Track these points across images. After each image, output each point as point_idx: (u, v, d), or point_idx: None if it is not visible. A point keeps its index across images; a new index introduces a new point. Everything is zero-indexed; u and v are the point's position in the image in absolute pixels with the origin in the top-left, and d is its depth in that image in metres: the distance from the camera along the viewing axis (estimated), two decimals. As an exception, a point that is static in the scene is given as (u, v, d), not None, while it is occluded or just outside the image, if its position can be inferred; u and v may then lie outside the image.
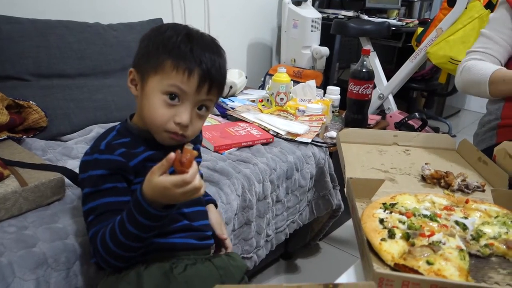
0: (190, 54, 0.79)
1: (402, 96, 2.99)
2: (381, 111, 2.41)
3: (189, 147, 0.70)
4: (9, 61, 1.39)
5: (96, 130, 1.41)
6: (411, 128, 2.03)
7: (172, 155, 0.68)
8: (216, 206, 1.07)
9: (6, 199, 0.89)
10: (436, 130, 3.14)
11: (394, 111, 2.28)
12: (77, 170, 1.05)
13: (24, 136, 1.27)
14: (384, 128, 2.01)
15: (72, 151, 1.26)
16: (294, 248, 1.78)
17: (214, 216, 1.02)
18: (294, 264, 1.79)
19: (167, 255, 0.84)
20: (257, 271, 1.66)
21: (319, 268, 1.77)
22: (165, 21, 1.94)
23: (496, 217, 0.88)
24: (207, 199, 1.05)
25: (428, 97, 3.39)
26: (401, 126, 2.01)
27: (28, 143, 1.26)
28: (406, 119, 1.99)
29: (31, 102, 1.31)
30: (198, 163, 0.99)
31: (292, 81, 1.96)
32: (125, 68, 1.65)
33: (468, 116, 4.07)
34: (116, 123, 1.09)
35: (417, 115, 1.96)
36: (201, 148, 1.30)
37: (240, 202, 1.25)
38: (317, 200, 1.61)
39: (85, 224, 0.82)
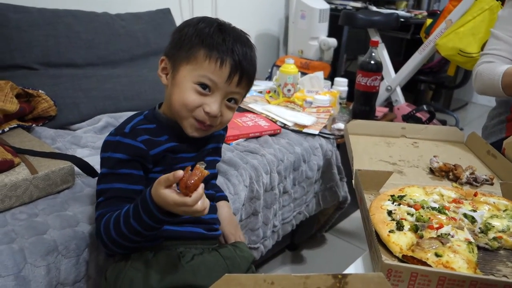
0: (223, 44, 0.80)
1: (410, 89, 2.97)
2: (388, 103, 2.40)
3: (202, 166, 0.69)
4: (18, 50, 1.39)
5: (105, 119, 1.41)
6: (418, 121, 2.02)
7: (180, 173, 0.67)
8: (227, 201, 1.08)
9: (17, 187, 0.90)
10: (443, 123, 3.12)
11: (401, 104, 2.26)
12: (86, 159, 1.06)
13: (33, 125, 1.28)
14: (392, 120, 2.00)
15: (81, 140, 1.27)
16: (300, 239, 1.78)
17: (224, 211, 1.02)
18: (300, 255, 1.79)
19: (175, 243, 0.85)
20: (263, 262, 1.67)
21: (324, 260, 1.78)
22: (173, 12, 1.94)
23: (505, 211, 0.88)
24: (219, 195, 1.05)
25: (436, 90, 3.36)
26: (408, 118, 2.00)
27: (37, 132, 1.27)
28: (414, 111, 1.98)
29: (40, 91, 1.32)
30: (217, 161, 1.00)
31: (299, 73, 1.96)
32: (133, 58, 1.66)
33: (475, 109, 4.03)
34: (126, 112, 1.10)
35: (425, 107, 1.95)
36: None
37: (248, 193, 1.25)
38: (324, 192, 1.61)
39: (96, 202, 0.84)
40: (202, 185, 0.69)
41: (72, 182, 1.02)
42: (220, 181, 1.18)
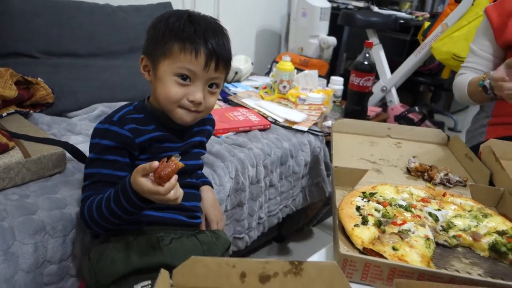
0: (195, 35, 0.85)
1: (410, 90, 3.00)
2: (383, 103, 2.44)
3: (177, 158, 0.74)
4: (20, 38, 1.44)
5: (101, 108, 1.46)
6: (411, 122, 2.06)
7: (155, 163, 0.72)
8: (212, 187, 1.13)
9: (10, 169, 0.96)
10: (441, 125, 3.14)
11: (395, 104, 2.30)
12: (79, 146, 1.12)
13: (31, 111, 1.33)
14: (384, 121, 2.03)
15: (76, 127, 1.32)
16: (287, 231, 1.83)
17: (208, 195, 1.08)
18: (287, 247, 1.84)
19: (156, 228, 0.91)
20: (250, 252, 1.73)
21: (310, 253, 1.81)
22: (174, 5, 1.99)
23: (470, 211, 0.92)
24: (203, 181, 1.11)
25: (435, 92, 3.38)
26: (400, 119, 2.04)
27: (34, 118, 1.32)
28: (406, 112, 2.01)
29: (39, 79, 1.37)
30: (202, 154, 1.05)
31: (296, 70, 1.99)
32: (132, 50, 1.71)
33: (476, 112, 4.04)
34: (122, 102, 1.15)
35: (416, 109, 1.99)
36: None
37: (233, 184, 1.30)
38: (310, 187, 1.66)
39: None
40: (175, 176, 0.74)
41: (63, 167, 1.07)
42: (206, 172, 1.22)
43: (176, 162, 0.73)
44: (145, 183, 0.74)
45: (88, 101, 1.49)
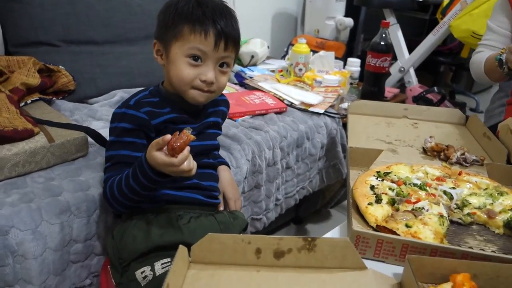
0: (203, 17, 0.88)
1: (430, 70, 2.94)
2: (401, 84, 2.40)
3: (188, 131, 0.77)
4: (41, 27, 1.48)
5: (120, 94, 1.50)
6: (429, 102, 2.03)
7: (167, 136, 0.75)
8: (228, 167, 1.16)
9: (36, 153, 1.00)
10: (462, 105, 3.08)
11: (414, 85, 2.27)
12: (100, 131, 1.16)
13: (54, 98, 1.38)
14: (403, 102, 2.01)
15: (96, 113, 1.36)
16: (305, 213, 1.85)
17: (225, 174, 1.10)
18: (305, 229, 1.87)
19: (175, 207, 0.94)
20: (268, 233, 1.75)
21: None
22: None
23: (485, 189, 0.92)
24: (219, 161, 1.13)
25: (456, 71, 3.31)
26: (419, 100, 2.01)
27: (57, 105, 1.37)
28: (424, 93, 1.99)
29: (60, 66, 1.41)
30: (217, 134, 1.08)
31: (312, 52, 1.98)
32: (149, 36, 1.73)
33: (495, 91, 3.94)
34: (139, 88, 1.18)
35: (435, 89, 1.96)
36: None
37: (250, 166, 1.32)
38: (327, 169, 1.67)
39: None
40: (188, 148, 0.77)
41: (86, 151, 1.11)
42: (223, 154, 1.25)
43: (187, 134, 0.76)
44: (160, 156, 0.77)
45: (108, 88, 1.53)
